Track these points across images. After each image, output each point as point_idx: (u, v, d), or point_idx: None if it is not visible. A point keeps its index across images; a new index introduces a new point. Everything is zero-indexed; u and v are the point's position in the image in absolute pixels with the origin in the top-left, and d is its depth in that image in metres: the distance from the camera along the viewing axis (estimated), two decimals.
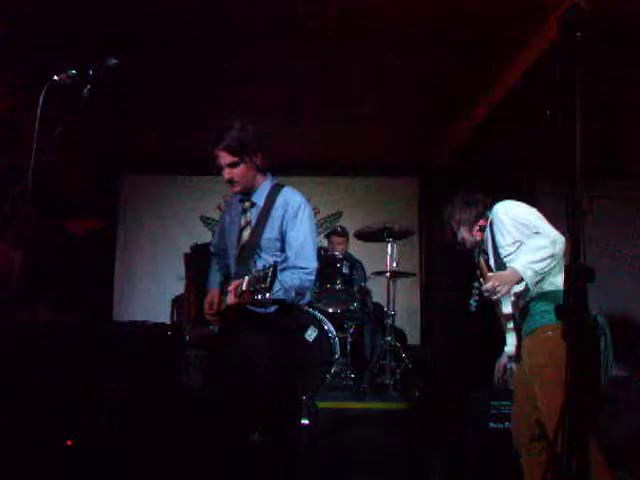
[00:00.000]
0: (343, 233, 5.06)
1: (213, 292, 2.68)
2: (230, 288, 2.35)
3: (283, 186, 2.61)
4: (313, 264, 2.47)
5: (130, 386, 3.73)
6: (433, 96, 4.61)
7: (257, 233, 2.51)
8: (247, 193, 2.57)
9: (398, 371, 4.22)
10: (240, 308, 2.39)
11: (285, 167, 6.43)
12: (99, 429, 3.16)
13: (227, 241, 2.68)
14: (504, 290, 2.19)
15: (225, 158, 2.44)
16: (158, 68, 4.16)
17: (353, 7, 3.44)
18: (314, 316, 4.03)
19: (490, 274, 2.28)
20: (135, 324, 4.88)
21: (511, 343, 2.45)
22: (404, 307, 5.57)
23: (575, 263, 1.06)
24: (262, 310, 2.43)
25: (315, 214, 6.62)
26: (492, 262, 2.44)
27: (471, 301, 2.50)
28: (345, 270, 4.53)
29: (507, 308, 2.39)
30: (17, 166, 1.72)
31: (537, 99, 3.63)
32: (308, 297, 2.58)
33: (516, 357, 2.42)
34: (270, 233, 2.52)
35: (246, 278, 2.22)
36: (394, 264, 4.61)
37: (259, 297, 2.16)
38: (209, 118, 4.77)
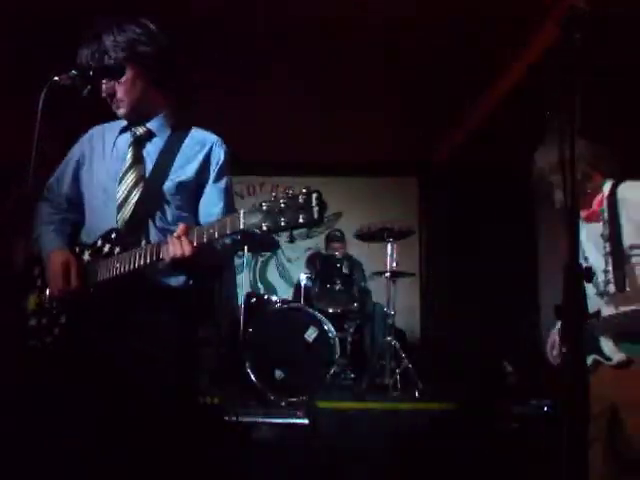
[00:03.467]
0: (341, 238, 5.11)
1: (63, 255, 1.68)
2: (180, 232, 1.50)
3: (190, 126, 1.85)
4: None
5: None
6: (433, 96, 4.61)
7: (159, 174, 1.70)
8: (137, 120, 1.77)
9: (398, 371, 4.21)
10: (132, 280, 1.60)
11: (285, 167, 6.47)
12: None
13: (88, 186, 1.79)
14: None
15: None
16: None
17: (354, 7, 3.44)
18: (314, 316, 4.03)
19: None
20: None
21: None
22: (404, 307, 5.57)
23: (573, 263, 1.06)
24: (166, 282, 1.68)
25: None
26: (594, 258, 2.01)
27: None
28: (345, 270, 4.54)
29: None
30: (18, 165, 1.72)
31: (537, 99, 3.64)
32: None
33: None
34: (182, 174, 1.72)
35: (241, 211, 1.39)
36: (394, 264, 4.62)
37: (285, 228, 1.32)
38: (208, 118, 4.79)
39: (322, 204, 1.32)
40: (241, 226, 1.38)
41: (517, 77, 4.02)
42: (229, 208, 1.74)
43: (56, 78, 1.53)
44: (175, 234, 1.50)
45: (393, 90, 4.59)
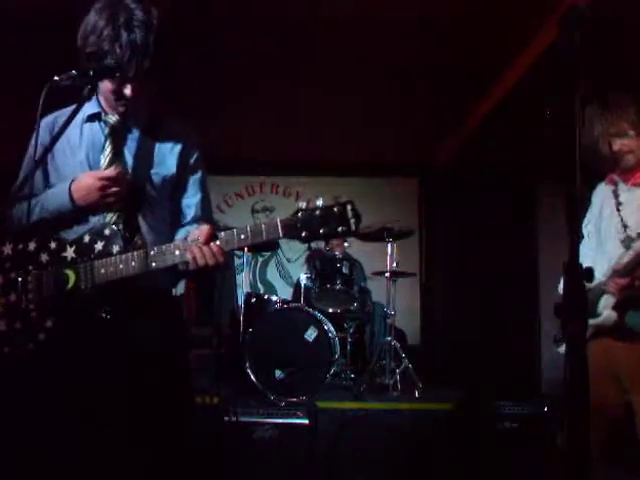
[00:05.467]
0: None
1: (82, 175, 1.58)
2: (206, 237, 1.42)
3: (165, 117, 1.74)
4: None
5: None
6: (433, 96, 4.61)
7: (141, 169, 1.61)
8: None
9: (398, 371, 4.22)
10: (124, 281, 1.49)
11: (285, 167, 6.47)
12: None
13: (58, 181, 1.64)
14: None
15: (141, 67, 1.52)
16: None
17: (354, 7, 3.44)
18: (314, 316, 4.03)
19: None
20: None
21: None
22: (404, 307, 5.57)
23: (574, 262, 1.06)
24: (159, 285, 1.62)
25: None
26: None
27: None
28: (345, 270, 4.53)
29: None
30: (17, 168, 1.72)
31: (537, 99, 3.64)
32: None
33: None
34: (164, 168, 1.65)
35: (277, 219, 1.38)
36: (394, 264, 4.62)
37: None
38: (209, 119, 4.79)
39: (357, 215, 1.40)
40: (281, 234, 1.38)
41: (517, 77, 4.02)
42: (206, 199, 1.74)
43: (56, 78, 1.52)
44: (201, 239, 1.42)
45: (394, 90, 4.59)
